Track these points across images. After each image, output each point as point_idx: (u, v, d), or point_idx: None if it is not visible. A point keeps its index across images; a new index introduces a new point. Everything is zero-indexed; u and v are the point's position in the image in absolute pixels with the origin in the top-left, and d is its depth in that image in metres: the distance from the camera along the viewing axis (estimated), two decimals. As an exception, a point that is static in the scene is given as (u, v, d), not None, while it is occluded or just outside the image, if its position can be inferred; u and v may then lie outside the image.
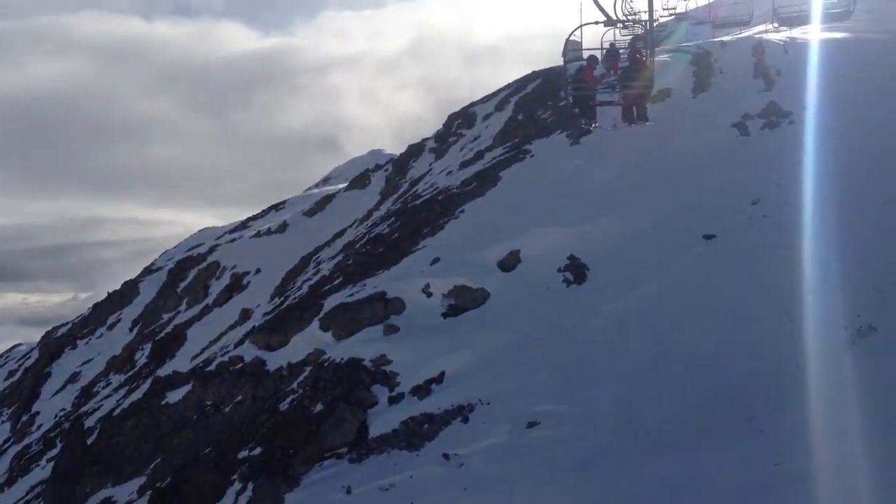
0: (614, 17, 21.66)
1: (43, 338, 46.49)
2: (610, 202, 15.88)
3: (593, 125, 21.59)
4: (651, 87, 20.09)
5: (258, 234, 42.21)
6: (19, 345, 52.24)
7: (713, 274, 11.91)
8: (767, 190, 13.83)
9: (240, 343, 17.64)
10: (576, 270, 14.09)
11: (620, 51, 27.29)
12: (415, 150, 35.60)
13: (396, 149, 46.40)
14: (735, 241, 12.61)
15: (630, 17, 33.34)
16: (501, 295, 14.07)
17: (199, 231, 51.98)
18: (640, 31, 30.62)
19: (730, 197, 14.05)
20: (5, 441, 30.59)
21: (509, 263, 15.16)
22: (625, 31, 33.39)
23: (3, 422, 34.53)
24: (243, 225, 48.05)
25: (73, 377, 34.52)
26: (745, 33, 28.76)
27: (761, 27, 29.48)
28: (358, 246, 23.70)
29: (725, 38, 28.35)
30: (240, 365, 15.31)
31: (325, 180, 58.84)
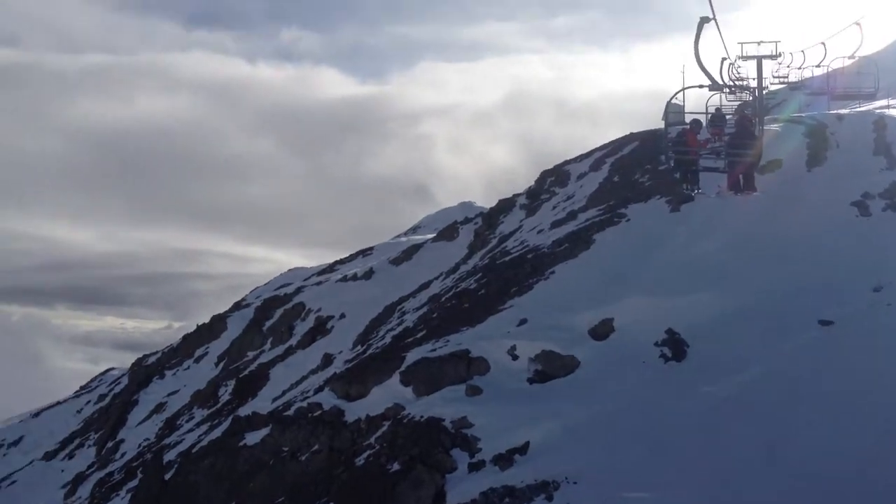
0: (720, 82, 21.21)
1: (134, 364, 48.34)
2: (713, 275, 15.11)
3: (696, 191, 20.86)
4: (760, 156, 19.31)
5: (344, 279, 42.84)
6: (112, 369, 54.56)
7: (829, 364, 11.01)
8: (891, 276, 12.84)
9: (319, 389, 17.60)
10: (674, 346, 13.37)
11: (727, 116, 26.60)
12: (505, 205, 35.51)
13: (487, 201, 46.62)
14: (854, 330, 11.67)
15: (737, 83, 32.59)
16: (592, 365, 13.47)
17: (289, 270, 53.76)
18: (748, 97, 29.80)
19: (849, 281, 13.11)
20: (90, 466, 31.55)
21: (602, 332, 14.54)
22: (731, 96, 32.66)
23: (89, 445, 35.72)
24: (331, 268, 49.23)
25: (159, 407, 35.52)
26: (865, 107, 27.50)
27: (883, 102, 28.11)
28: (443, 299, 23.55)
29: (842, 111, 27.18)
30: (318, 412, 15.20)
31: (414, 229, 59.92)
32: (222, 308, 48.07)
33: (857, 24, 21.27)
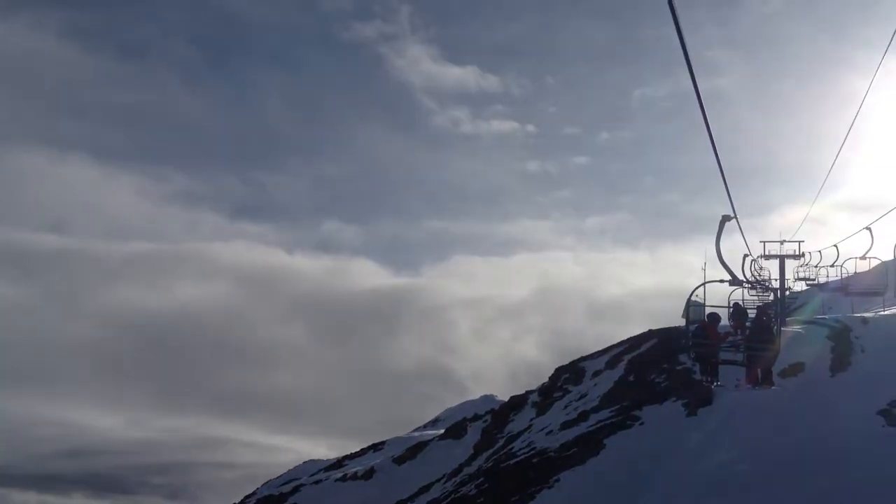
0: (741, 278, 21.67)
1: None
2: (729, 488, 14.34)
3: (715, 384, 20.78)
4: (778, 352, 19.42)
5: (343, 478, 41.57)
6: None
7: None
8: (923, 496, 12.08)
9: None
10: (684, 569, 12.42)
11: (748, 311, 26.83)
12: (517, 403, 34.89)
13: (511, 395, 46.28)
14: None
15: (758, 279, 33.11)
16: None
17: (304, 462, 53.55)
18: (770, 297, 30.09)
19: (874, 499, 12.35)
20: None
21: (606, 550, 13.65)
22: (753, 292, 32.94)
23: None
24: (339, 463, 48.68)
25: None
26: (890, 310, 27.59)
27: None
28: (441, 505, 22.50)
29: (867, 315, 27.24)
30: None
31: (435, 421, 60.05)
32: (237, 498, 47.25)
33: (868, 229, 22.25)
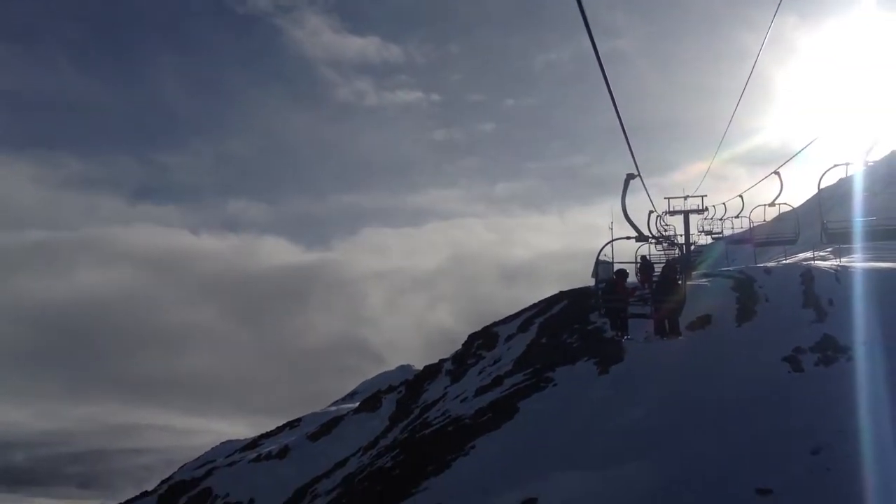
0: (647, 234, 21.90)
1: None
2: (643, 443, 14.33)
3: (625, 337, 21.14)
4: (684, 302, 19.90)
5: (258, 459, 40.74)
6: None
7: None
8: (828, 438, 12.30)
9: None
10: (602, 528, 12.29)
11: (654, 265, 27.30)
12: (431, 372, 34.62)
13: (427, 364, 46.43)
14: (795, 498, 10.92)
15: (663, 235, 33.73)
16: (510, 556, 12.22)
17: (221, 444, 53.01)
18: (676, 253, 30.66)
19: (785, 444, 12.50)
20: None
21: (524, 514, 13.39)
22: (659, 247, 33.57)
23: None
24: (255, 442, 48.24)
25: None
26: (790, 259, 28.37)
27: (808, 254, 29.09)
28: (356, 480, 21.97)
29: (770, 264, 27.97)
30: None
31: (352, 395, 60.26)
32: (152, 486, 46.09)
33: (777, 173, 22.41)
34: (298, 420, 48.97)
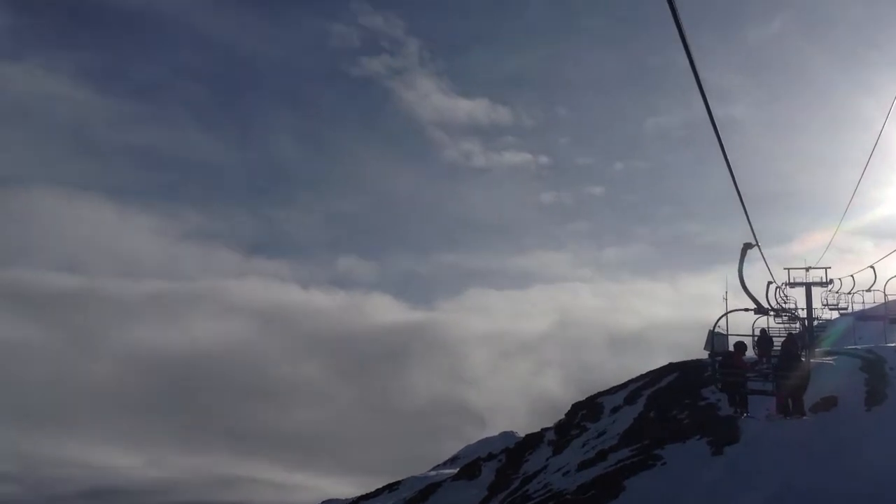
0: (766, 306, 20.88)
1: None
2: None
3: (745, 415, 19.91)
4: (808, 380, 18.64)
5: (353, 522, 40.78)
6: None
7: None
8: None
9: None
10: None
11: (774, 339, 25.92)
12: (532, 441, 33.82)
13: (528, 433, 45.63)
14: None
15: (783, 307, 32.09)
16: None
17: (323, 502, 53.60)
18: (797, 327, 29.06)
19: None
20: None
21: None
22: (778, 319, 31.95)
23: None
24: (355, 503, 48.49)
25: None
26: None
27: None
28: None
29: (901, 344, 26.11)
30: None
31: (454, 459, 60.05)
32: None
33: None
34: (398, 483, 49.03)
